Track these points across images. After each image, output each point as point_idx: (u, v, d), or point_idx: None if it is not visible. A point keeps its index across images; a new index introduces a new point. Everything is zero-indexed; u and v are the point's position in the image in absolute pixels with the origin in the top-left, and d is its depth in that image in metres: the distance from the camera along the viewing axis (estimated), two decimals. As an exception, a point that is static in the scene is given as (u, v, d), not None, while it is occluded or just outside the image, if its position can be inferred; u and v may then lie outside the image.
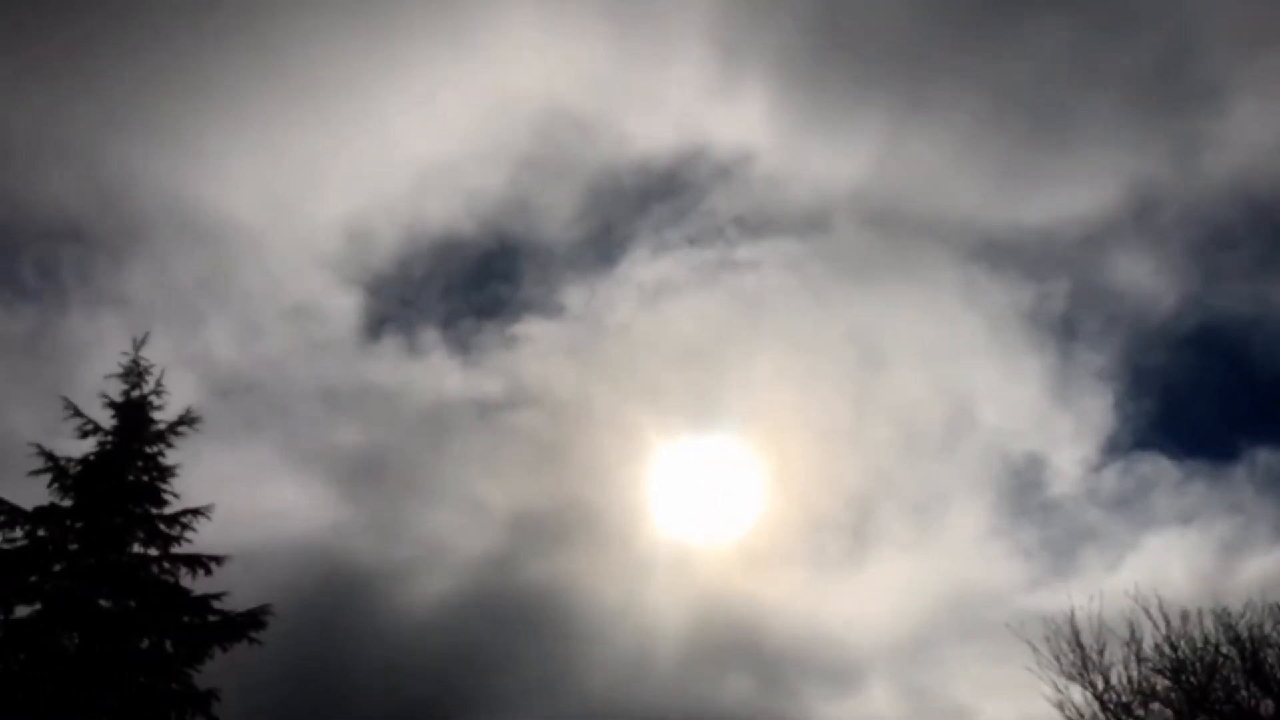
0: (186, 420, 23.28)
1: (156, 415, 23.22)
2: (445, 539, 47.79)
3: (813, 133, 69.99)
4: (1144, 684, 25.16)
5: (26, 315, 53.11)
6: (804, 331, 64.31)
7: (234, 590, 22.59)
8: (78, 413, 22.72)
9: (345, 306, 60.95)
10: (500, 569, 46.61)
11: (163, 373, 23.47)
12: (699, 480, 58.05)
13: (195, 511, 22.81)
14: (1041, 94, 68.10)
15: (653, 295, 63.94)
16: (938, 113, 67.67)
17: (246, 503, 36.97)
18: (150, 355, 23.55)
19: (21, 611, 21.14)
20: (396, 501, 51.75)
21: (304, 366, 59.12)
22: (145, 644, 21.66)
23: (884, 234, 66.12)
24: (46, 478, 22.05)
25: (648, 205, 74.60)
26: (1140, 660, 25.17)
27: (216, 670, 22.08)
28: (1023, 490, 58.80)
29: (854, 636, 44.97)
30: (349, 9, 61.91)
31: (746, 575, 51.07)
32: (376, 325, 65.22)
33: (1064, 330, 65.55)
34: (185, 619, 22.02)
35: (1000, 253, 65.15)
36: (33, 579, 21.36)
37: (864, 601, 48.93)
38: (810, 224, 67.43)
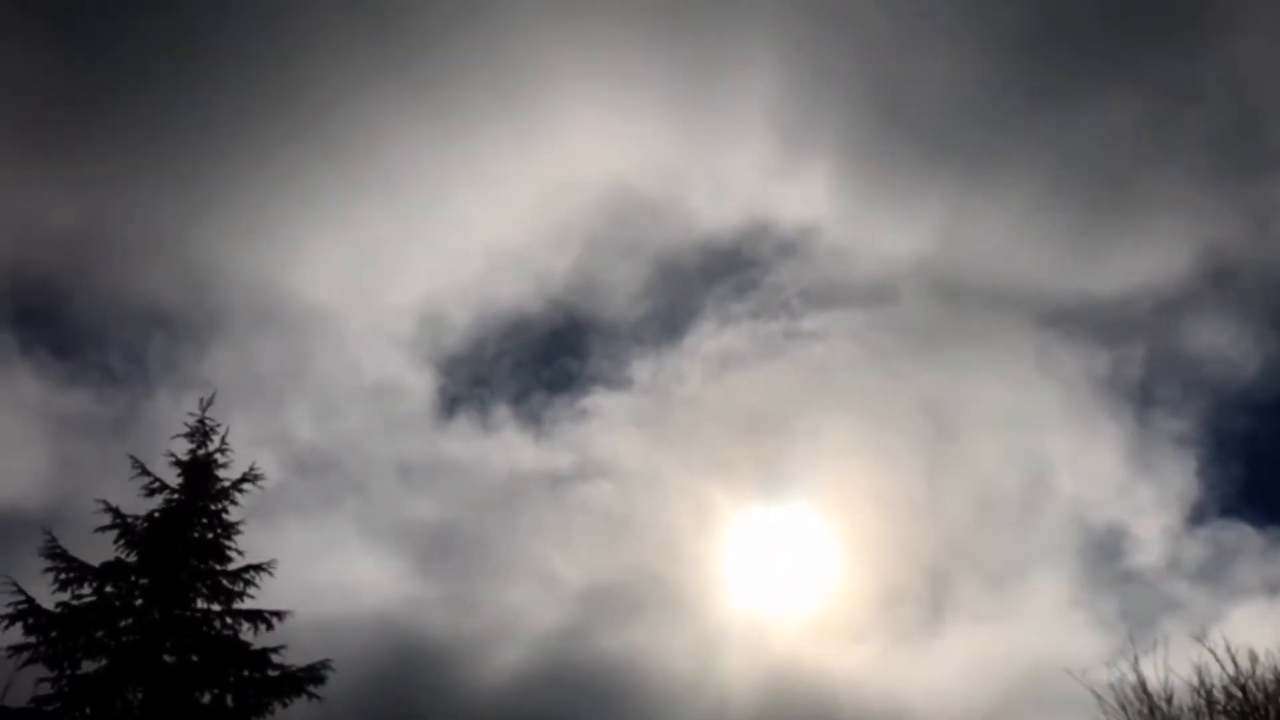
0: (249, 477, 23.79)
1: (221, 473, 23.74)
2: (518, 611, 47.54)
3: (876, 206, 70.53)
4: (1216, 730, 23.97)
5: (115, 400, 55.02)
6: (874, 400, 63.71)
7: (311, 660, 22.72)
8: (144, 471, 23.27)
9: (420, 385, 62.44)
10: (573, 641, 46.14)
11: (227, 431, 24.10)
12: (771, 551, 57.26)
13: (257, 567, 23.18)
14: (1108, 165, 68.06)
15: (719, 367, 64.21)
16: (1002, 185, 67.91)
17: (325, 576, 37.46)
18: (232, 434, 24.12)
19: (88, 666, 21.38)
20: (470, 574, 51.89)
21: (381, 444, 60.45)
22: (207, 698, 21.76)
23: (952, 303, 65.80)
24: (113, 534, 22.50)
25: (712, 281, 75.39)
26: (1211, 705, 24.01)
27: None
28: (1103, 560, 56.95)
29: (931, 710, 43.31)
30: (420, 103, 64.43)
31: (821, 647, 49.79)
32: (450, 403, 66.73)
33: (1141, 397, 64.35)
34: (245, 673, 22.13)
35: (1072, 320, 64.35)
36: (99, 634, 21.63)
37: (941, 674, 47.24)
38: (876, 295, 67.35)
